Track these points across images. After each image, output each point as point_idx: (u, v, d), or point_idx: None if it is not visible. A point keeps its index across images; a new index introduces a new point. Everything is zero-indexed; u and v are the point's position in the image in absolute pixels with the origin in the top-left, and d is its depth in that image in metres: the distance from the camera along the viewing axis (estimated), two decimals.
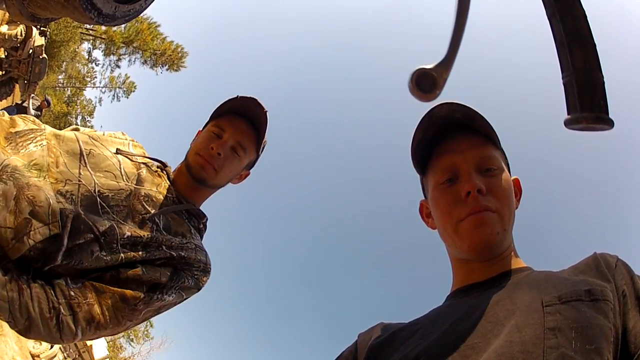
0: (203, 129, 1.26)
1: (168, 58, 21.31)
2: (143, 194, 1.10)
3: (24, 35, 9.18)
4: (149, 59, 21.31)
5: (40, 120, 1.21)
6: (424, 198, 0.98)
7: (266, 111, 1.21)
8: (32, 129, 1.10)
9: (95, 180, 1.04)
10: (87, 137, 1.15)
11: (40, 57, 9.67)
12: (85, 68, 23.36)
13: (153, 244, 1.04)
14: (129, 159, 1.16)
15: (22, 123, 1.11)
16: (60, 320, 0.90)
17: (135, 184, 1.11)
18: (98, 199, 1.02)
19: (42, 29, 10.48)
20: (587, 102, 0.48)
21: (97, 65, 22.82)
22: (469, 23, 0.53)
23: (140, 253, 1.02)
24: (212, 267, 1.16)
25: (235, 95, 1.21)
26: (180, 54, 21.60)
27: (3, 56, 9.02)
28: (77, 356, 15.27)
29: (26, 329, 0.88)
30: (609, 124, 0.48)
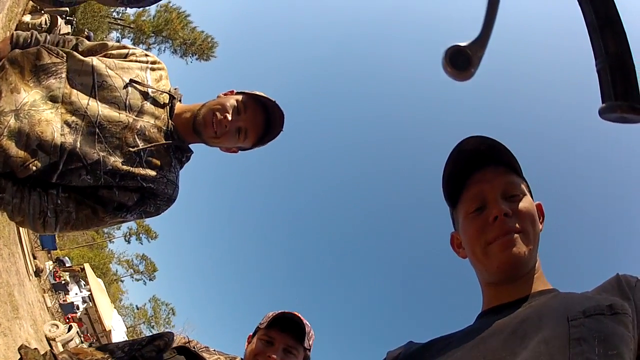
0: (235, 94, 1.41)
1: (198, 48, 21.40)
2: (138, 127, 1.30)
3: (48, 24, 9.18)
4: (179, 47, 21.40)
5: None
6: (454, 230, 1.05)
7: (281, 130, 1.39)
8: (54, 62, 1.26)
9: (100, 112, 1.25)
10: (104, 66, 1.30)
11: None
12: None
13: (129, 175, 1.27)
14: (138, 90, 1.33)
15: (47, 56, 1.26)
16: (46, 221, 1.22)
17: (135, 116, 1.30)
18: (97, 129, 1.24)
19: (67, 18, 10.48)
20: (620, 90, 0.45)
21: None
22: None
23: (117, 180, 1.27)
24: (177, 197, 1.40)
25: (274, 100, 1.38)
26: (210, 44, 21.65)
27: None
28: (94, 341, 15.25)
29: (20, 223, 1.23)
30: None
